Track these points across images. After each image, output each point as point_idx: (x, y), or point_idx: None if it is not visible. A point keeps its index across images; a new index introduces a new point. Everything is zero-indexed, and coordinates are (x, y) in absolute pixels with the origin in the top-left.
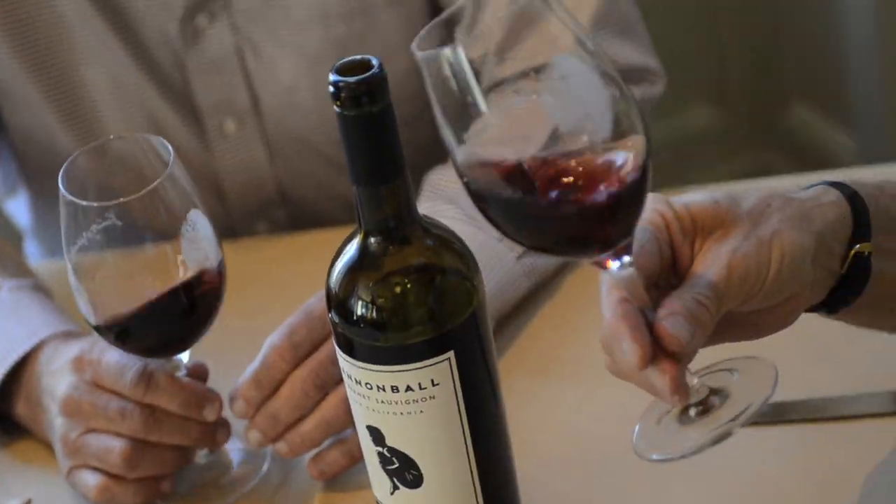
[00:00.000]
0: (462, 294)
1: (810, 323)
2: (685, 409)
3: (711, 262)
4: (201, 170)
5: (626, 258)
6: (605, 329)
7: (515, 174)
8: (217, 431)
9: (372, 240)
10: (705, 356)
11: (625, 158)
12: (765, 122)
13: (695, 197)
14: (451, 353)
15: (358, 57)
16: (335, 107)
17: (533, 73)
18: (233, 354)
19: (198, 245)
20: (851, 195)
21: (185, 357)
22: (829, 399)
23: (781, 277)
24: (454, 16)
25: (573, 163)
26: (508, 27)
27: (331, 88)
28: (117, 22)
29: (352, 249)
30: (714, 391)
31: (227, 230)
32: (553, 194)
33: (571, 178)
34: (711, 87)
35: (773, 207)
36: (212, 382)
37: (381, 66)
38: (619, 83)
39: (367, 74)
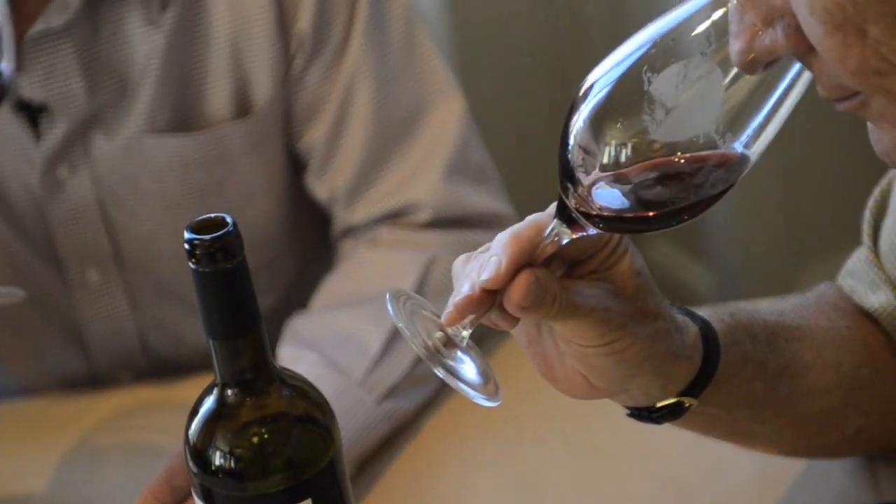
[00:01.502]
0: (319, 443)
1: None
2: (438, 328)
3: (591, 295)
4: (63, 318)
5: (571, 236)
6: (500, 239)
7: None
8: None
9: (229, 391)
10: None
11: None
12: None
13: (637, 255)
14: (308, 501)
15: (212, 215)
16: (190, 263)
17: None
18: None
19: None
20: (709, 353)
21: None
22: None
23: (604, 364)
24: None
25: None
26: (358, 169)
27: (186, 246)
28: None
29: (209, 401)
30: (465, 349)
31: (89, 378)
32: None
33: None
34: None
35: (656, 325)
36: None
37: (234, 223)
38: None
39: (222, 232)
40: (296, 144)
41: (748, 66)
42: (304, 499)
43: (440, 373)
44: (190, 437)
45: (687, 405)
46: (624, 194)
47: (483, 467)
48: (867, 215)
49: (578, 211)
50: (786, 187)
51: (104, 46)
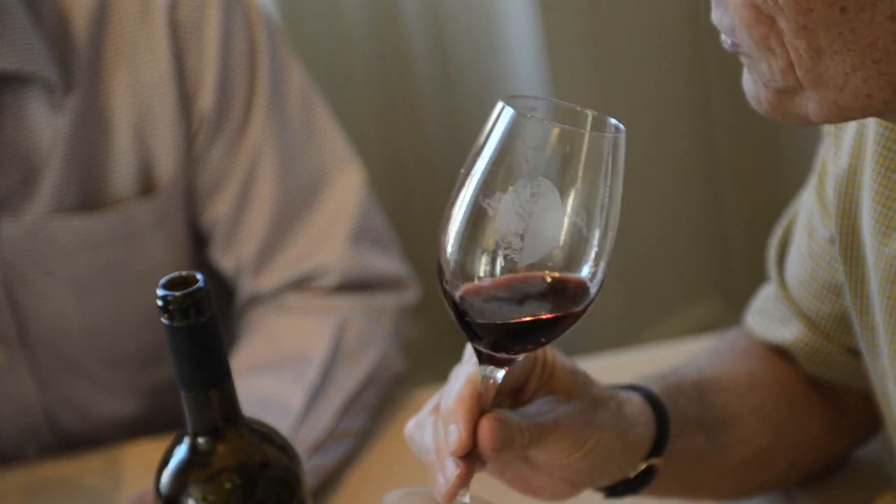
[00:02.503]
0: (288, 487)
1: None
2: None
3: (547, 410)
4: None
5: (503, 371)
6: (448, 408)
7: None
8: None
9: (200, 440)
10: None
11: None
12: None
13: (564, 358)
14: None
15: (182, 273)
16: (163, 319)
17: None
18: None
19: None
20: (659, 412)
21: None
22: None
23: (583, 461)
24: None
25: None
26: (264, 240)
27: (159, 302)
28: None
29: (181, 450)
30: None
31: None
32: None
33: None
34: (717, 282)
35: (609, 407)
36: None
37: (204, 280)
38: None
39: (193, 288)
40: (198, 219)
41: None
42: None
43: None
44: (161, 486)
45: (656, 466)
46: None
47: None
48: (772, 253)
49: (490, 350)
50: (625, 248)
51: (8, 131)
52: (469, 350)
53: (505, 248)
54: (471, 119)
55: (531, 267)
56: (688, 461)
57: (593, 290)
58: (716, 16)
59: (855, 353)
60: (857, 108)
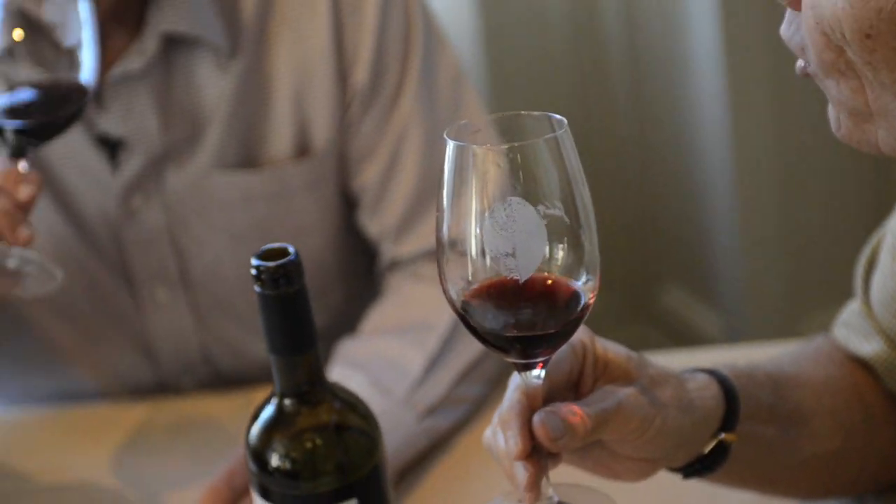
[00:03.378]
0: (365, 450)
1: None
2: None
3: (608, 395)
4: (134, 331)
5: (542, 371)
6: (501, 417)
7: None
8: (21, 222)
9: (286, 401)
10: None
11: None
12: (642, 302)
13: (615, 346)
14: (354, 501)
15: (277, 244)
16: (256, 286)
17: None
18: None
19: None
20: (728, 389)
21: (23, 165)
22: None
23: (653, 440)
24: None
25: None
26: (406, 209)
27: (253, 271)
28: (58, 196)
29: (269, 410)
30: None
31: (157, 385)
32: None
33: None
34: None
35: (670, 384)
36: None
37: (296, 253)
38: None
39: (285, 260)
40: (349, 184)
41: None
42: (349, 498)
43: None
44: (250, 440)
45: (728, 441)
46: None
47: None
48: (859, 270)
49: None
50: (789, 242)
51: (177, 89)
52: None
53: (504, 269)
54: (658, 122)
55: (532, 279)
56: (759, 449)
57: (591, 285)
58: (786, 32)
59: None
60: None
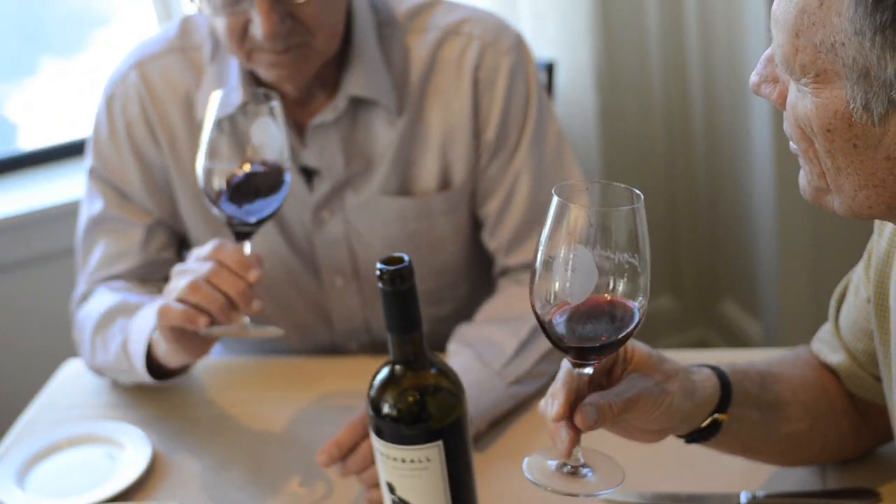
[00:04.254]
0: (450, 406)
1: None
2: (563, 464)
3: (630, 386)
4: (318, 307)
5: (590, 369)
6: (552, 391)
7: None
8: (253, 297)
9: (397, 367)
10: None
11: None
12: (703, 310)
13: (640, 344)
14: (440, 442)
15: (396, 254)
16: (379, 284)
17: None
18: (316, 426)
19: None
20: (724, 381)
21: (248, 247)
22: (680, 495)
23: (662, 417)
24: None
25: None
26: (515, 232)
27: (377, 272)
28: None
29: (384, 372)
30: (584, 465)
31: (331, 346)
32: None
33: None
34: (669, 282)
35: (678, 377)
36: (294, 442)
37: (409, 261)
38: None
39: (400, 266)
40: (476, 211)
41: (753, 90)
42: (436, 440)
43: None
44: (371, 393)
45: (721, 420)
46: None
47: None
48: (833, 303)
49: (574, 359)
50: (819, 266)
51: (358, 136)
52: None
53: (566, 295)
54: (724, 178)
55: (596, 301)
56: (745, 426)
57: (642, 302)
58: (784, 126)
59: (880, 380)
60: (863, 214)
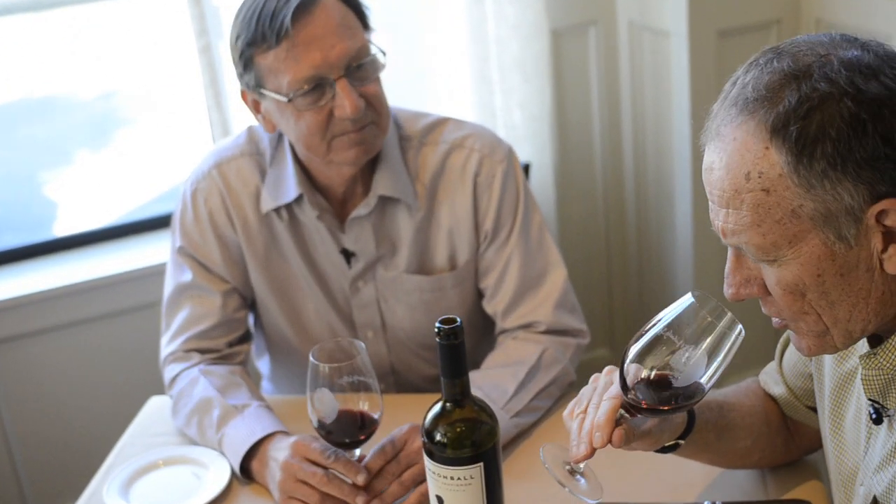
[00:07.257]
0: (489, 434)
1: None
2: (568, 463)
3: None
4: None
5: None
6: (597, 421)
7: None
8: (359, 495)
9: (447, 403)
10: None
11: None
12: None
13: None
14: (481, 464)
15: (449, 316)
16: (437, 339)
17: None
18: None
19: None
20: (690, 413)
21: (357, 451)
22: None
23: (648, 441)
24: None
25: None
26: (509, 301)
27: (435, 329)
28: (320, 278)
29: (436, 407)
30: (582, 473)
31: None
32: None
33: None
34: (607, 335)
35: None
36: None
37: (460, 322)
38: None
39: (453, 325)
40: (478, 285)
41: (733, 301)
42: (478, 462)
43: (570, 491)
44: (425, 424)
45: (680, 443)
46: (650, 396)
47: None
48: (779, 346)
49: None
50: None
51: (385, 226)
52: (616, 378)
53: (670, 371)
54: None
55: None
56: (703, 443)
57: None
58: (765, 310)
59: (813, 409)
60: (864, 332)
